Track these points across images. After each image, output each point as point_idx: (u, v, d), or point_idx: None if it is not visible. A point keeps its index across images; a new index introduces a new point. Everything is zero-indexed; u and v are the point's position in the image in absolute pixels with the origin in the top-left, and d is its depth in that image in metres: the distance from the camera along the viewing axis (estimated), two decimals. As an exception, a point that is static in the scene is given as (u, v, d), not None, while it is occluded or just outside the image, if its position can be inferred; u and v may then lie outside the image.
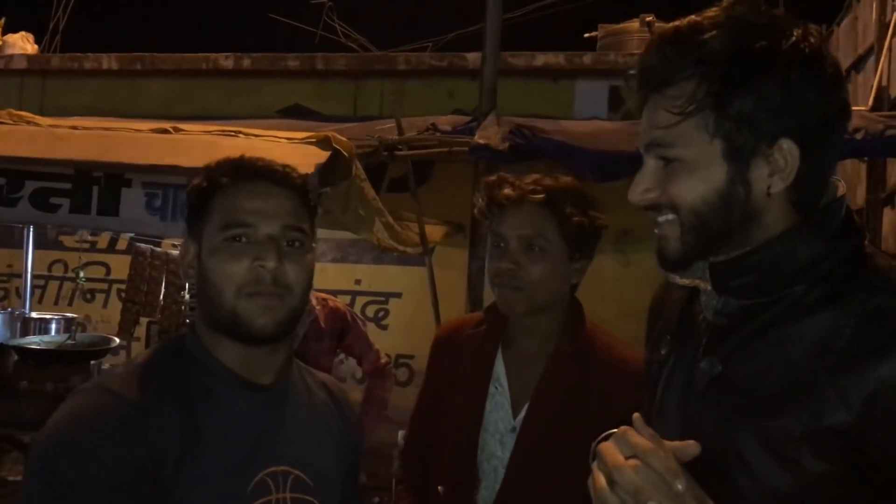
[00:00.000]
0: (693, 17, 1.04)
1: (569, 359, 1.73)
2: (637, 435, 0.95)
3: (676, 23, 1.05)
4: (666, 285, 1.28)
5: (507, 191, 1.72)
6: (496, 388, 1.77)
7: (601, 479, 0.95)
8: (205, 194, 1.32)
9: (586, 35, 7.29)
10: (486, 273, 1.80)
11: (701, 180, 1.04)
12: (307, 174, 1.35)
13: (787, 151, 1.02)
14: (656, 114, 1.06)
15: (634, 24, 6.79)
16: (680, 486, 0.91)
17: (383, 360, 3.16)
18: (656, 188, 1.07)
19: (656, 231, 1.09)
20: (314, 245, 1.36)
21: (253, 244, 1.27)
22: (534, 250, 1.71)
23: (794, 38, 1.02)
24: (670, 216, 1.07)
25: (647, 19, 6.32)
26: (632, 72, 1.10)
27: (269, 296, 1.26)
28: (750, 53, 1.01)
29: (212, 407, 1.26)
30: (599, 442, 0.98)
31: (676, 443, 0.95)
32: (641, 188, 1.08)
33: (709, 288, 1.11)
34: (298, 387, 1.41)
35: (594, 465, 0.97)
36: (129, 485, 1.15)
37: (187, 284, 5.20)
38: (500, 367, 1.78)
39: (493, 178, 1.78)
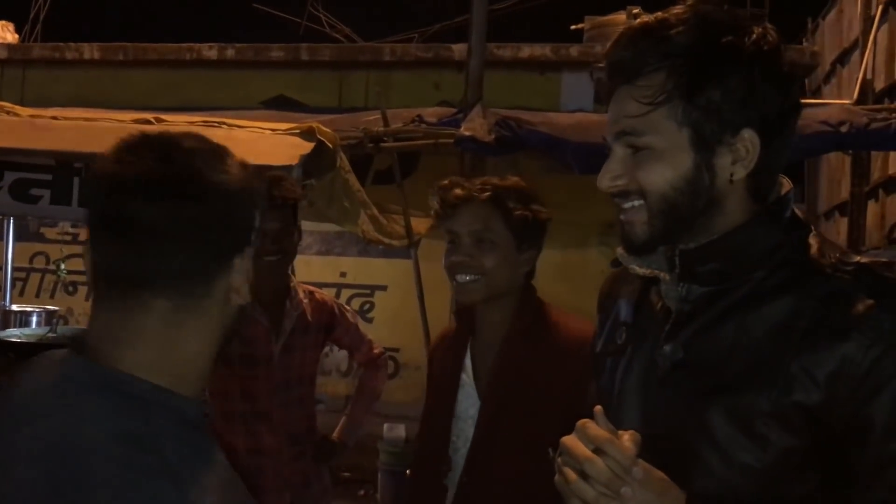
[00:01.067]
0: (660, 13, 1.10)
1: (519, 339, 1.89)
2: (595, 427, 1.01)
3: (645, 18, 1.12)
4: (614, 278, 1.34)
5: (458, 191, 1.91)
6: (465, 377, 1.95)
7: (572, 474, 1.01)
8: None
9: (573, 27, 7.28)
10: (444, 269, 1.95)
11: (670, 166, 1.10)
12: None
13: (749, 141, 1.10)
14: (626, 104, 1.12)
15: (621, 17, 6.78)
16: (638, 474, 0.99)
17: (377, 351, 3.13)
18: (625, 175, 1.12)
19: (622, 217, 1.15)
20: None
21: None
22: (484, 243, 1.88)
23: (755, 36, 1.09)
24: (637, 202, 1.12)
25: (634, 11, 6.31)
26: (600, 65, 1.16)
27: None
28: (717, 48, 1.08)
29: None
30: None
31: (628, 432, 1.02)
32: (611, 175, 1.14)
33: (668, 277, 1.16)
34: None
35: (559, 461, 1.03)
36: None
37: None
38: (468, 358, 1.97)
39: (446, 181, 1.95)
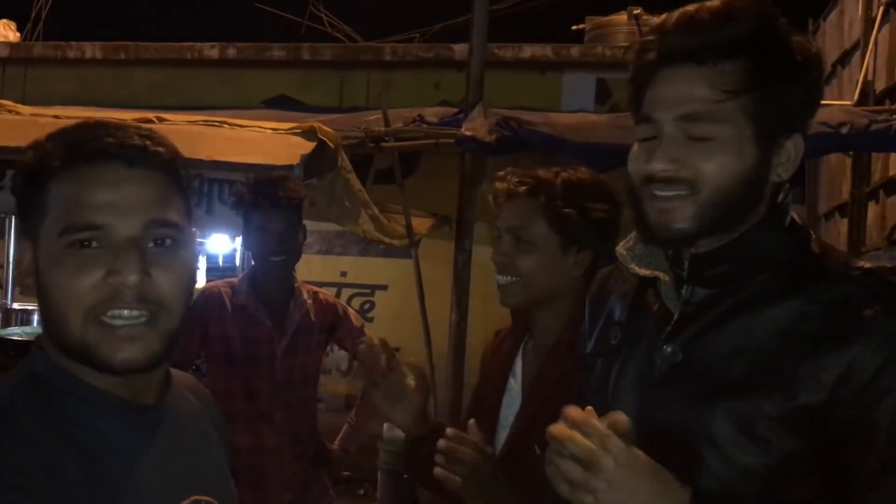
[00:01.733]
0: (720, 3, 1.08)
1: (565, 349, 1.70)
2: (574, 409, 1.00)
3: (723, 2, 1.08)
4: (605, 277, 1.32)
5: (499, 185, 1.74)
6: (512, 381, 1.79)
7: (558, 456, 0.99)
8: (34, 180, 0.98)
9: (574, 27, 7.28)
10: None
11: (736, 158, 1.08)
12: (175, 152, 1.04)
13: (795, 144, 1.10)
14: (695, 87, 1.07)
15: (622, 17, 6.79)
16: (616, 445, 0.97)
17: None
18: (678, 161, 1.08)
19: (659, 206, 1.09)
20: (195, 239, 1.07)
21: (106, 250, 0.95)
22: (521, 242, 1.70)
23: (811, 44, 1.11)
24: (683, 192, 1.08)
25: (635, 12, 6.31)
26: (650, 37, 1.11)
27: (131, 322, 0.95)
28: (792, 48, 1.08)
29: (102, 446, 0.97)
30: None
31: (612, 415, 1.00)
32: (668, 157, 1.08)
33: (667, 278, 1.15)
34: (177, 397, 1.12)
35: (548, 451, 1.01)
36: None
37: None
38: (518, 362, 1.80)
39: (502, 172, 1.77)
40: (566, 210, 1.67)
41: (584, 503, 0.99)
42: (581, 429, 0.98)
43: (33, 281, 1.00)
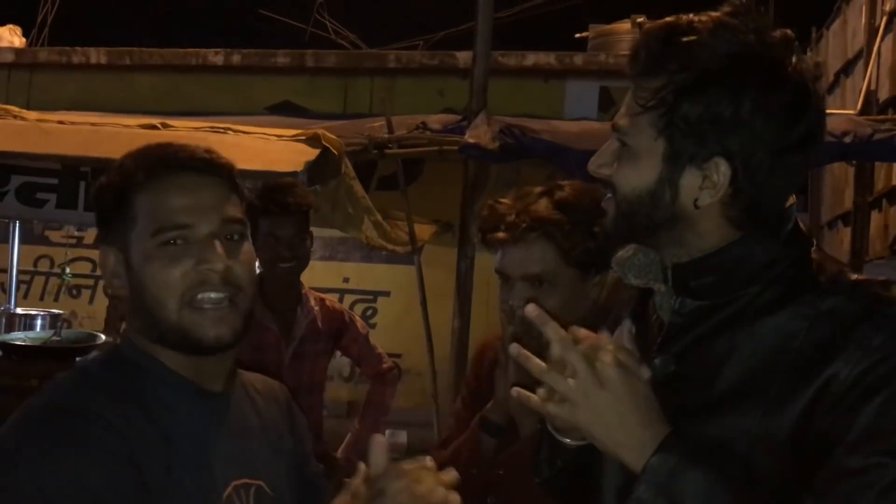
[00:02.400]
0: (687, 16, 1.08)
1: None
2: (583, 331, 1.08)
3: (670, 19, 1.09)
4: (612, 286, 1.35)
5: (500, 235, 1.64)
6: None
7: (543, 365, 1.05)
8: (121, 194, 1.17)
9: (577, 35, 7.29)
10: (499, 307, 1.71)
11: (637, 173, 1.09)
12: (231, 162, 1.25)
13: (720, 171, 1.06)
14: (627, 100, 1.12)
15: (625, 25, 6.80)
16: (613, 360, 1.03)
17: (385, 366, 3.11)
18: (609, 167, 1.14)
19: (602, 204, 1.16)
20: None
21: (193, 246, 1.14)
22: (542, 286, 1.63)
23: (764, 65, 1.04)
24: (609, 195, 1.14)
25: (639, 20, 6.31)
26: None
27: (219, 305, 1.14)
28: (716, 67, 1.03)
29: (171, 418, 1.15)
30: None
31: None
32: (598, 162, 1.15)
33: (663, 289, 1.15)
34: (243, 390, 1.31)
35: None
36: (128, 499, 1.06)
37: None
38: None
39: (486, 212, 1.70)
40: (581, 244, 1.61)
41: (556, 414, 1.03)
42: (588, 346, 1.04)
43: (123, 280, 1.18)
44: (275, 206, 2.62)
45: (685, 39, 1.05)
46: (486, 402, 1.78)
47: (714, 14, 1.07)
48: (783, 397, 1.03)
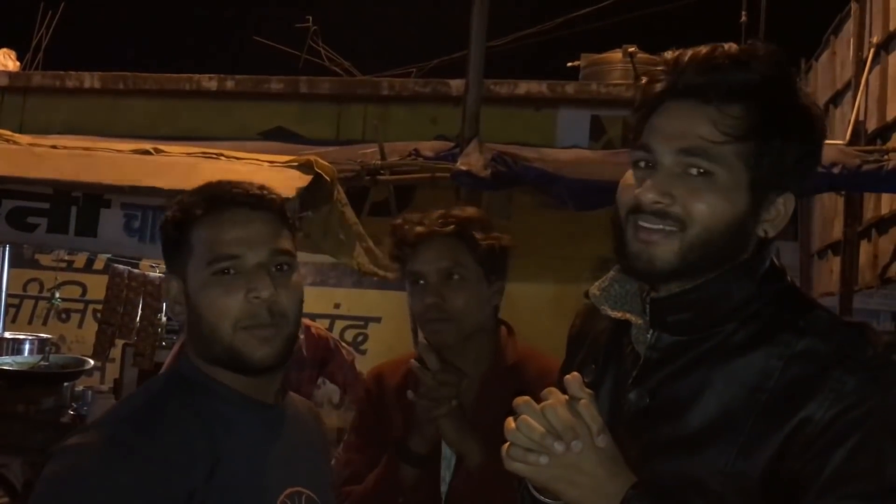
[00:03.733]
0: (756, 45, 1.09)
1: (504, 374, 1.80)
2: (574, 377, 1.04)
3: (744, 46, 1.09)
4: (585, 315, 1.30)
5: (418, 229, 1.80)
6: None
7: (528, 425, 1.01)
8: (181, 227, 1.29)
9: (569, 64, 7.36)
10: (409, 313, 1.86)
11: (728, 203, 1.06)
12: (284, 196, 1.33)
13: (785, 203, 1.10)
14: (699, 124, 1.06)
15: (617, 55, 6.87)
16: (602, 442, 1.01)
17: None
18: (671, 196, 1.06)
19: (643, 237, 1.07)
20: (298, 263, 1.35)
21: (243, 275, 1.25)
22: (453, 279, 1.78)
23: (817, 107, 1.11)
24: (672, 227, 1.06)
25: (630, 50, 6.39)
26: (659, 68, 1.11)
27: (265, 327, 1.24)
28: (798, 106, 1.08)
29: (226, 430, 1.25)
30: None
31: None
32: (660, 190, 1.07)
33: (640, 322, 1.13)
34: (292, 407, 1.42)
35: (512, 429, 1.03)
36: None
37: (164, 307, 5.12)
38: None
39: (399, 220, 1.86)
40: (488, 242, 1.79)
41: (535, 463, 1.00)
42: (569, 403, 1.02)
43: (183, 307, 1.29)
44: None
45: (760, 66, 1.06)
46: (389, 431, 1.84)
47: (772, 47, 1.09)
48: (757, 437, 1.02)
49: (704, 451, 1.04)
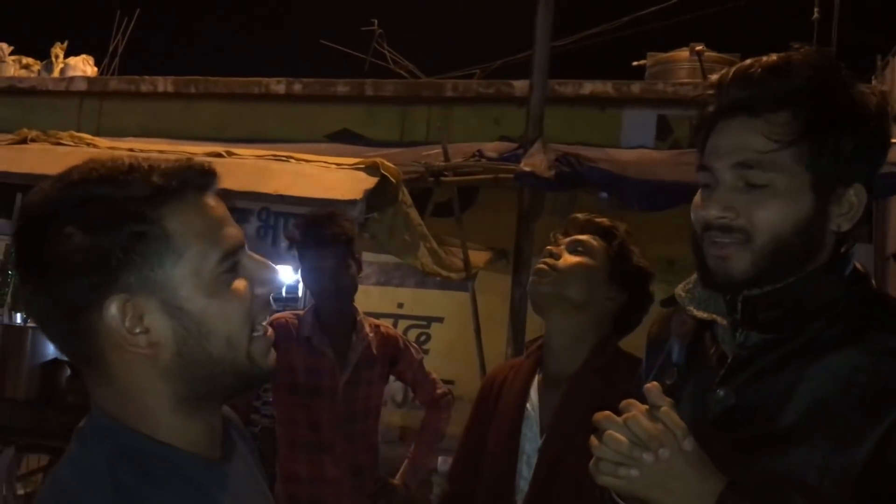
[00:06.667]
0: (793, 53, 1.12)
1: (591, 376, 1.83)
2: (654, 386, 1.06)
3: (781, 55, 1.12)
4: (665, 319, 1.34)
5: (580, 215, 2.07)
6: (530, 409, 1.88)
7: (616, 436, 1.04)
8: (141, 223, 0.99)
9: (634, 63, 7.27)
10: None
11: (791, 207, 1.09)
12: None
13: (857, 195, 1.11)
14: (750, 137, 1.10)
15: (684, 53, 6.77)
16: (688, 445, 1.03)
17: (440, 391, 3.12)
18: (734, 209, 1.10)
19: (715, 252, 1.12)
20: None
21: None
22: (578, 249, 1.94)
23: (874, 95, 1.12)
24: (739, 239, 1.11)
25: (697, 48, 6.29)
26: (709, 91, 1.15)
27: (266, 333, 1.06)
28: (848, 99, 1.10)
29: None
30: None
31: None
32: (722, 206, 1.11)
33: (725, 322, 1.16)
34: (233, 443, 1.11)
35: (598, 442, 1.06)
36: None
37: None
38: (534, 390, 1.90)
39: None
40: (622, 245, 1.92)
41: (626, 476, 1.02)
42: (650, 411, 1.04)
43: (158, 331, 0.96)
44: (312, 240, 2.67)
45: (803, 71, 1.09)
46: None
47: (809, 50, 1.12)
48: (854, 432, 1.03)
49: (800, 446, 1.06)
